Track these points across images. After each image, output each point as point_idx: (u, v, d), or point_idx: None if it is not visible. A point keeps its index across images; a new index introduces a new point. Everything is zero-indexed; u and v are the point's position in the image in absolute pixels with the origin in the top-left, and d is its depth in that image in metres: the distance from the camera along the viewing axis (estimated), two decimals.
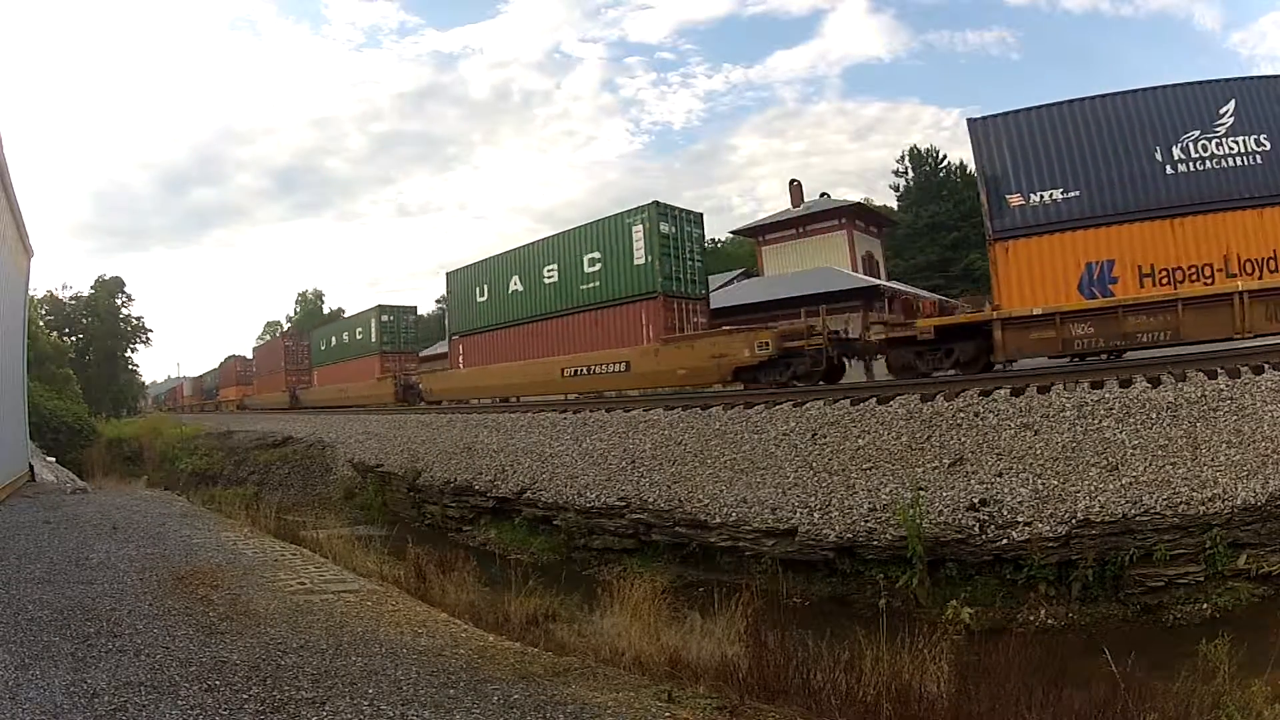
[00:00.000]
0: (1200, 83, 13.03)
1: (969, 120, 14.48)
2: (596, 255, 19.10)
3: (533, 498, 13.22)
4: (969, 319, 14.00)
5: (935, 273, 39.16)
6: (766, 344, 15.75)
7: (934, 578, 8.33)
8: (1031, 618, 7.69)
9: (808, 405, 12.24)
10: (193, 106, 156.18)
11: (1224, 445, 8.14)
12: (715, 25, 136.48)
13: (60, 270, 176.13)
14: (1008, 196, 13.62)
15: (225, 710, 3.37)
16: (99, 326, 54.98)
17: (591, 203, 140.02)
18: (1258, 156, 12.36)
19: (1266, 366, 9.46)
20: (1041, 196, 13.37)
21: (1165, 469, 8.09)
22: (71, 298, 55.02)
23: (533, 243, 21.75)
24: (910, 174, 46.77)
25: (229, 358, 55.26)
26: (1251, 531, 7.37)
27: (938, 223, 41.66)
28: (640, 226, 18.03)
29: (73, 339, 52.19)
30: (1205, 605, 7.23)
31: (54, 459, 19.93)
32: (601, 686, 3.99)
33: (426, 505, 15.94)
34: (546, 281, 20.51)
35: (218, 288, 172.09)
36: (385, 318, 30.29)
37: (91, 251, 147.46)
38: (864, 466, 10.02)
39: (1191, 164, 12.68)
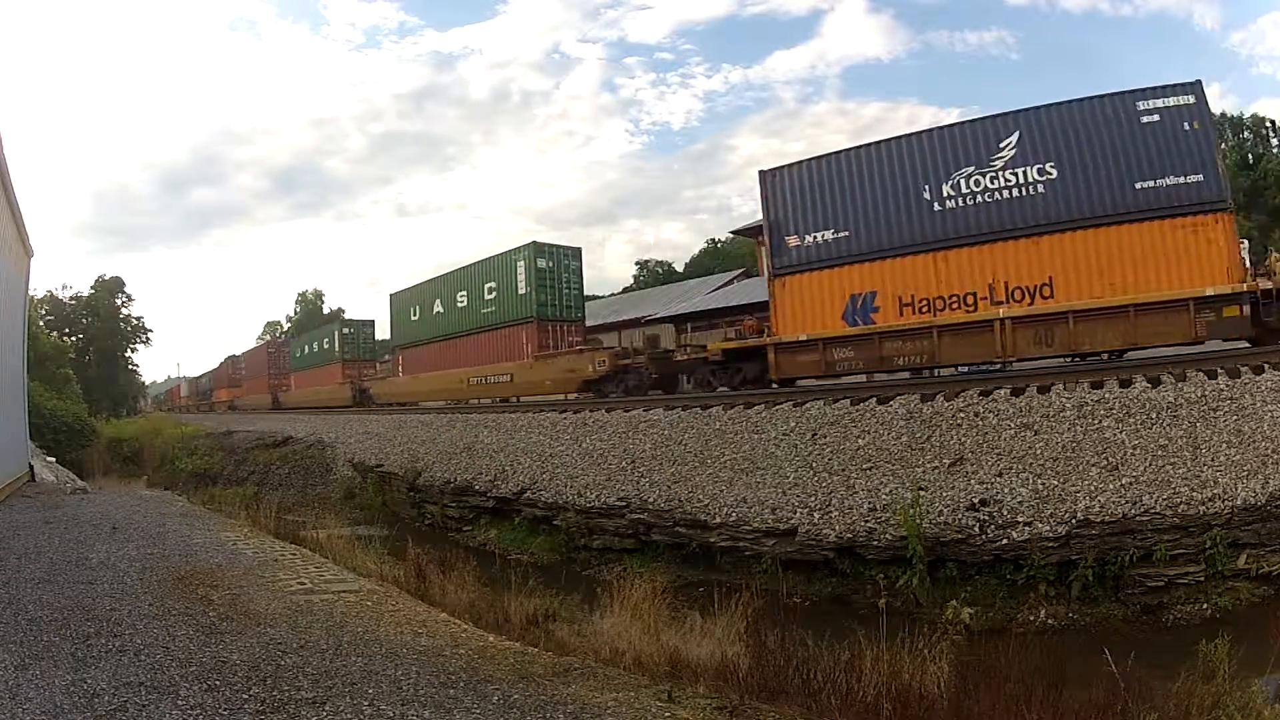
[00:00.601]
0: (982, 119, 14.02)
1: (760, 172, 16.18)
2: (493, 285, 22.55)
3: (533, 498, 13.22)
4: (750, 344, 16.23)
5: None
6: (604, 362, 18.93)
7: (934, 578, 8.33)
8: (1031, 618, 7.68)
9: (808, 405, 12.24)
10: (192, 107, 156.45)
11: (1224, 445, 8.14)
12: (714, 25, 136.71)
13: (60, 270, 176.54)
14: (786, 238, 15.52)
15: (225, 710, 3.37)
16: (99, 326, 54.95)
17: (591, 202, 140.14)
18: (1040, 186, 13.07)
19: (1266, 366, 9.45)
20: (815, 237, 15.14)
21: (1165, 469, 8.09)
22: (71, 298, 55.01)
23: (451, 271, 25.17)
24: None
25: (227, 358, 56.58)
26: (1251, 531, 7.37)
27: None
28: (522, 262, 21.42)
29: (73, 339, 52.19)
30: (1205, 605, 7.23)
31: (54, 459, 19.94)
32: (601, 686, 3.99)
33: (426, 505, 15.94)
34: (459, 305, 24.12)
35: (217, 288, 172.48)
36: (346, 330, 34.78)
37: (91, 251, 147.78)
38: (864, 466, 10.02)
39: (961, 200, 13.72)
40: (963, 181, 13.67)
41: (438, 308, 25.50)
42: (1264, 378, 9.03)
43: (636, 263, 76.34)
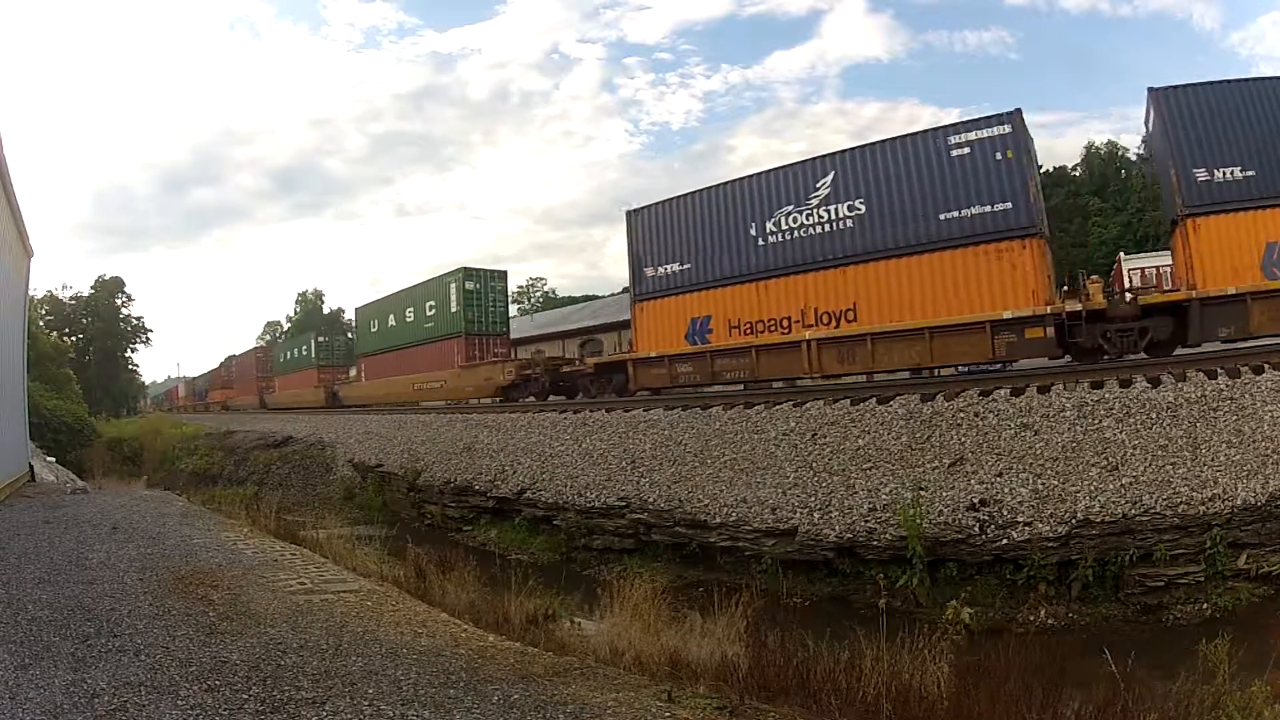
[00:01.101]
0: (803, 161, 15.74)
1: (626, 212, 18.98)
2: (432, 303, 25.84)
3: (533, 498, 13.22)
4: (614, 359, 20.15)
5: None
6: (511, 371, 22.39)
7: (934, 578, 8.33)
8: (1031, 618, 7.68)
9: (808, 405, 12.24)
10: (192, 107, 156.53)
11: (1224, 445, 8.14)
12: (713, 26, 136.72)
13: (60, 270, 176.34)
14: (645, 269, 18.17)
15: (225, 710, 3.36)
16: (99, 326, 55.03)
17: (591, 202, 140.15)
18: (849, 221, 14.63)
19: (1266, 367, 9.45)
20: (665, 268, 17.70)
21: (1165, 469, 8.09)
22: (71, 298, 55.12)
23: (401, 290, 28.84)
24: None
25: (226, 358, 57.78)
26: (1251, 531, 7.38)
27: None
28: (454, 284, 24.52)
29: (73, 339, 52.24)
30: (1205, 605, 7.24)
31: (54, 459, 19.93)
32: (601, 686, 3.99)
33: (426, 505, 15.94)
34: (407, 320, 27.51)
35: (217, 288, 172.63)
36: (321, 339, 39.18)
37: (91, 251, 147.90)
38: (864, 466, 10.02)
39: (782, 235, 15.64)
40: (783, 219, 15.59)
41: (391, 321, 29.05)
42: (1264, 378, 9.03)
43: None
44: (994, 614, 7.68)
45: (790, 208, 15.44)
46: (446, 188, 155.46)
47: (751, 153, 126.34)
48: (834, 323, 14.72)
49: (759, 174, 16.37)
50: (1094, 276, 13.54)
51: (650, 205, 18.31)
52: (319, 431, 24.80)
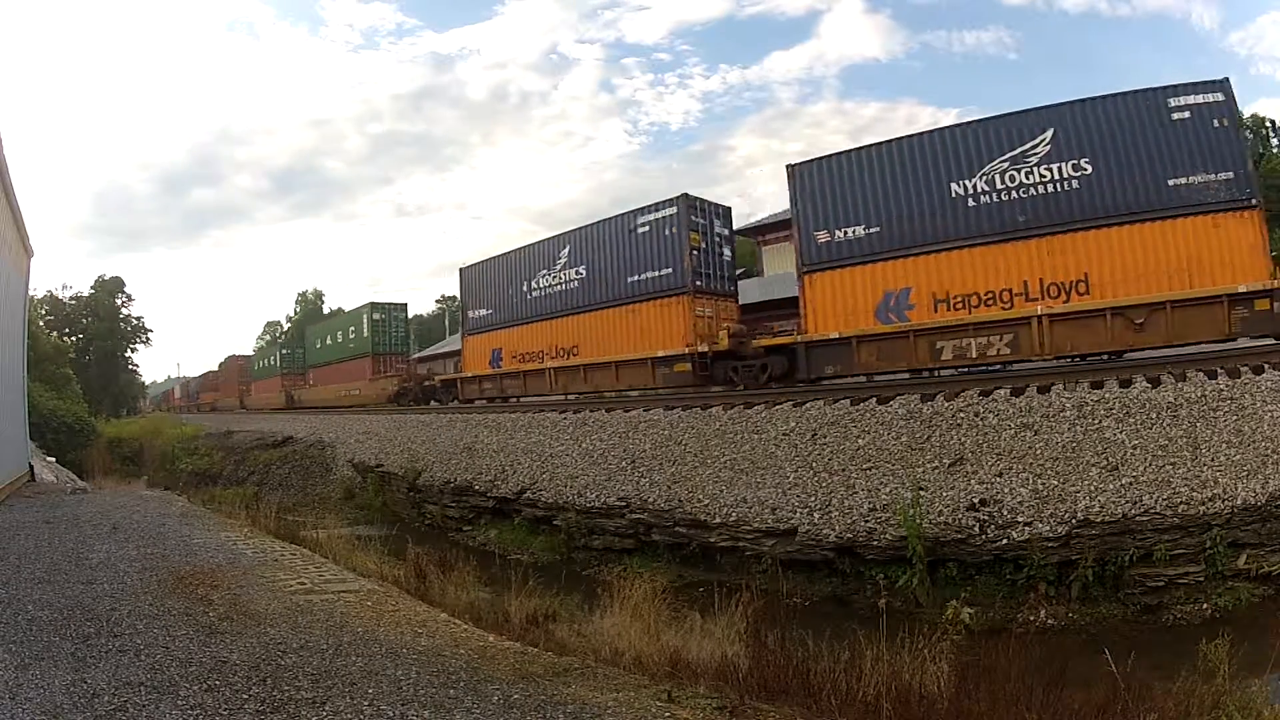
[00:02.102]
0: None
1: (459, 269, 24.98)
2: (353, 328, 34.39)
3: (533, 498, 13.22)
4: (450, 377, 25.15)
5: None
6: (394, 383, 29.88)
7: (934, 578, 8.33)
8: (1031, 618, 7.68)
9: (808, 405, 12.24)
10: (191, 108, 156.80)
11: (1224, 445, 8.14)
12: (712, 26, 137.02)
13: (60, 270, 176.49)
14: (469, 311, 24.11)
15: (225, 710, 3.36)
16: (99, 326, 54.97)
17: (591, 202, 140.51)
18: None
19: (1266, 366, 9.45)
20: (480, 311, 23.48)
21: (1165, 469, 8.09)
22: (71, 298, 55.05)
23: (336, 315, 36.64)
24: None
25: (228, 356, 60.13)
26: (1251, 531, 7.37)
27: None
28: (365, 315, 33.15)
29: (73, 339, 52.20)
30: (1205, 605, 7.23)
31: (54, 459, 19.94)
32: (601, 686, 3.98)
33: (426, 505, 15.93)
34: (339, 340, 35.83)
35: (217, 288, 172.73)
36: (284, 351, 45.65)
37: (91, 252, 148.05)
38: (864, 466, 10.02)
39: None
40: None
41: (329, 339, 37.16)
42: (1264, 378, 9.03)
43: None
44: (994, 614, 7.67)
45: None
46: (446, 188, 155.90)
47: (751, 153, 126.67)
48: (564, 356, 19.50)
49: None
50: (726, 325, 16.93)
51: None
52: (319, 431, 24.80)
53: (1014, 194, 12.96)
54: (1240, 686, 4.42)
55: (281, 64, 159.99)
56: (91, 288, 56.31)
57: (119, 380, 58.16)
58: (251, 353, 60.50)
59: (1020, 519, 8.17)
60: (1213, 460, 8.00)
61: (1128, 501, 7.85)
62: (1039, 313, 12.53)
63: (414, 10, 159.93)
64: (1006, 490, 8.61)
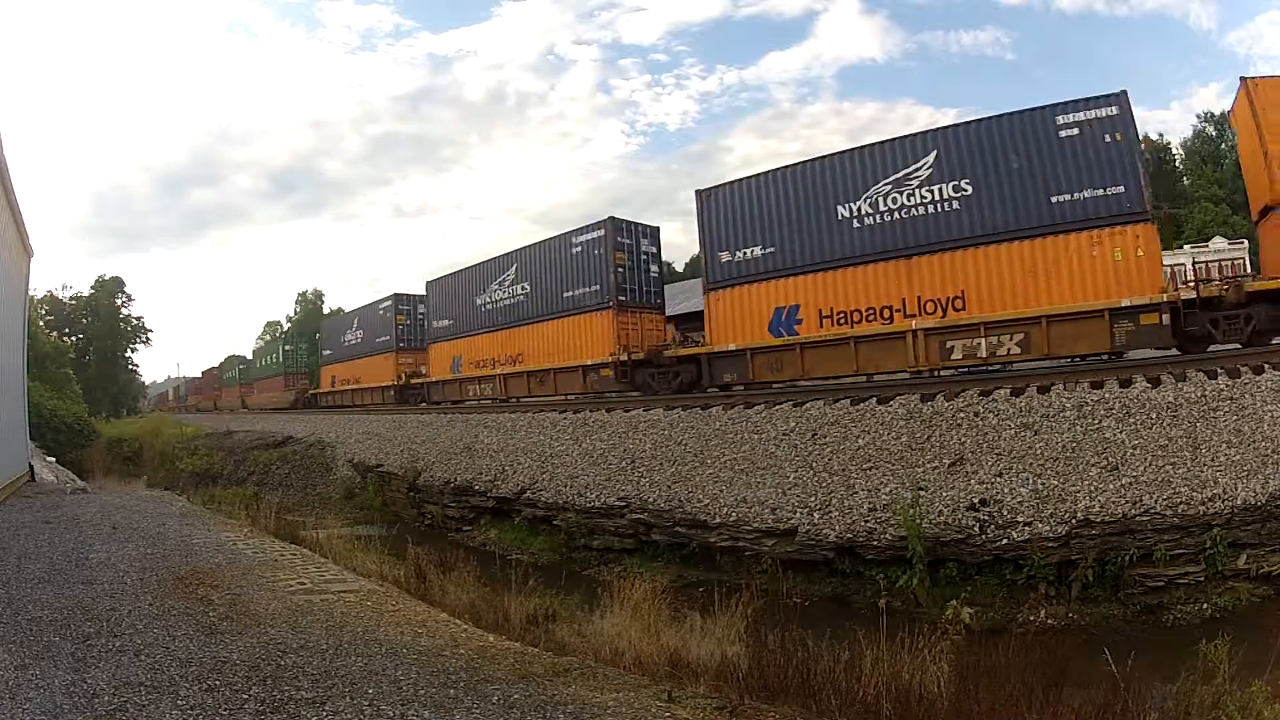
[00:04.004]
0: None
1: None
2: (277, 353, 45.60)
3: (533, 498, 13.21)
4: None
5: None
6: (299, 391, 39.62)
7: (934, 578, 8.32)
8: (1031, 618, 7.68)
9: (808, 405, 12.23)
10: (190, 109, 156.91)
11: (1224, 445, 8.14)
12: (708, 27, 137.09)
13: (60, 270, 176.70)
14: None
15: (225, 710, 3.36)
16: (99, 326, 54.93)
17: (589, 203, 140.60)
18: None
19: (1267, 367, 9.45)
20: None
21: (1165, 469, 8.08)
22: (71, 298, 54.97)
23: (269, 341, 51.02)
24: None
25: (227, 357, 65.87)
26: (1251, 531, 7.37)
27: None
28: (280, 347, 46.24)
29: (73, 339, 52.14)
30: (1205, 605, 7.23)
31: (54, 459, 19.92)
32: (601, 686, 3.98)
33: (426, 505, 15.92)
34: (270, 361, 46.25)
35: (217, 288, 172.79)
36: (242, 365, 53.92)
37: (91, 252, 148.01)
38: (864, 466, 10.02)
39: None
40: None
41: (265, 360, 48.04)
42: (1264, 378, 9.03)
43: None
44: (994, 614, 7.67)
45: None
46: (444, 188, 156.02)
47: (749, 153, 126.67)
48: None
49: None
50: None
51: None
52: (319, 431, 24.80)
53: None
54: (1240, 686, 4.41)
55: (280, 65, 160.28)
56: (91, 288, 56.29)
57: (119, 380, 58.16)
58: (260, 340, 73.98)
59: (1020, 519, 8.17)
60: (1213, 460, 8.00)
61: (1128, 501, 7.85)
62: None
63: (411, 12, 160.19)
64: (1006, 490, 8.60)
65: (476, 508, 14.61)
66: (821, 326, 14.81)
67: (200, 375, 69.45)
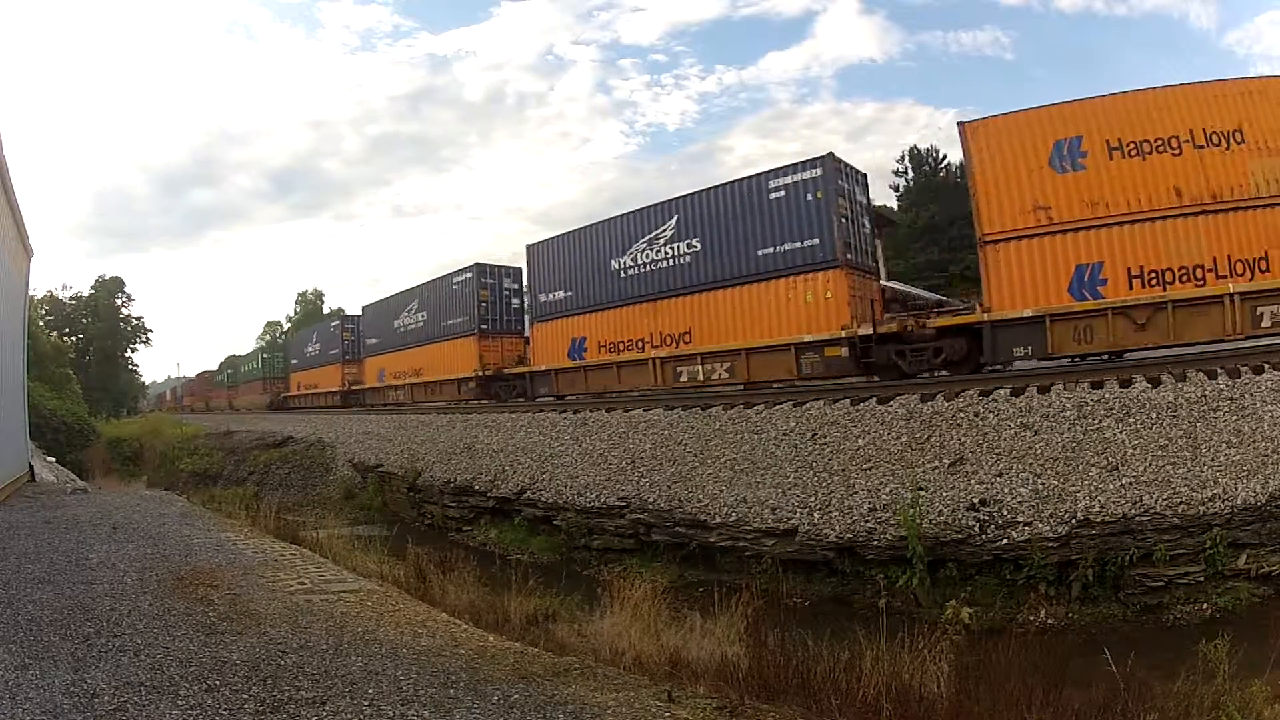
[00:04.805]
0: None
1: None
2: (257, 361, 49.18)
3: (533, 498, 13.21)
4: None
5: (935, 273, 39.05)
6: (273, 392, 44.30)
7: (934, 578, 8.33)
8: (1031, 618, 7.68)
9: (808, 405, 12.23)
10: (190, 109, 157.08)
11: (1224, 445, 8.14)
12: (707, 27, 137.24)
13: (60, 270, 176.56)
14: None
15: (225, 710, 3.36)
16: (99, 326, 55.00)
17: (589, 203, 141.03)
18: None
19: (1266, 366, 9.45)
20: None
21: (1165, 469, 8.08)
22: (71, 298, 55.09)
23: (266, 340, 64.71)
24: (910, 174, 46.64)
25: (228, 356, 68.60)
26: (1251, 531, 7.37)
27: (938, 223, 41.54)
28: (259, 355, 49.82)
29: (73, 339, 52.23)
30: (1205, 605, 7.23)
31: (54, 459, 19.93)
32: (601, 686, 3.98)
33: (426, 505, 15.93)
34: (253, 368, 49.88)
35: (217, 288, 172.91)
36: (229, 370, 57.26)
37: (91, 252, 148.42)
38: (864, 466, 10.02)
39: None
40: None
41: (249, 366, 51.31)
42: (1264, 378, 9.03)
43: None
44: (994, 614, 7.67)
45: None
46: (443, 188, 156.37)
47: (748, 153, 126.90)
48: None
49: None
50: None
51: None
52: (319, 432, 24.81)
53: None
54: (1240, 686, 4.41)
55: (279, 66, 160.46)
56: (91, 288, 56.39)
57: (119, 380, 58.25)
58: (260, 340, 77.81)
59: (1020, 519, 8.17)
60: (1213, 460, 8.00)
61: (1128, 501, 7.85)
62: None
63: (410, 12, 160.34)
64: (1006, 490, 8.60)
65: (476, 508, 14.61)
66: (599, 354, 18.93)
67: (194, 378, 75.48)
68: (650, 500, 11.27)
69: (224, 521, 9.49)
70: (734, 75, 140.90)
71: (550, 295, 20.61)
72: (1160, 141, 11.87)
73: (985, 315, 12.65)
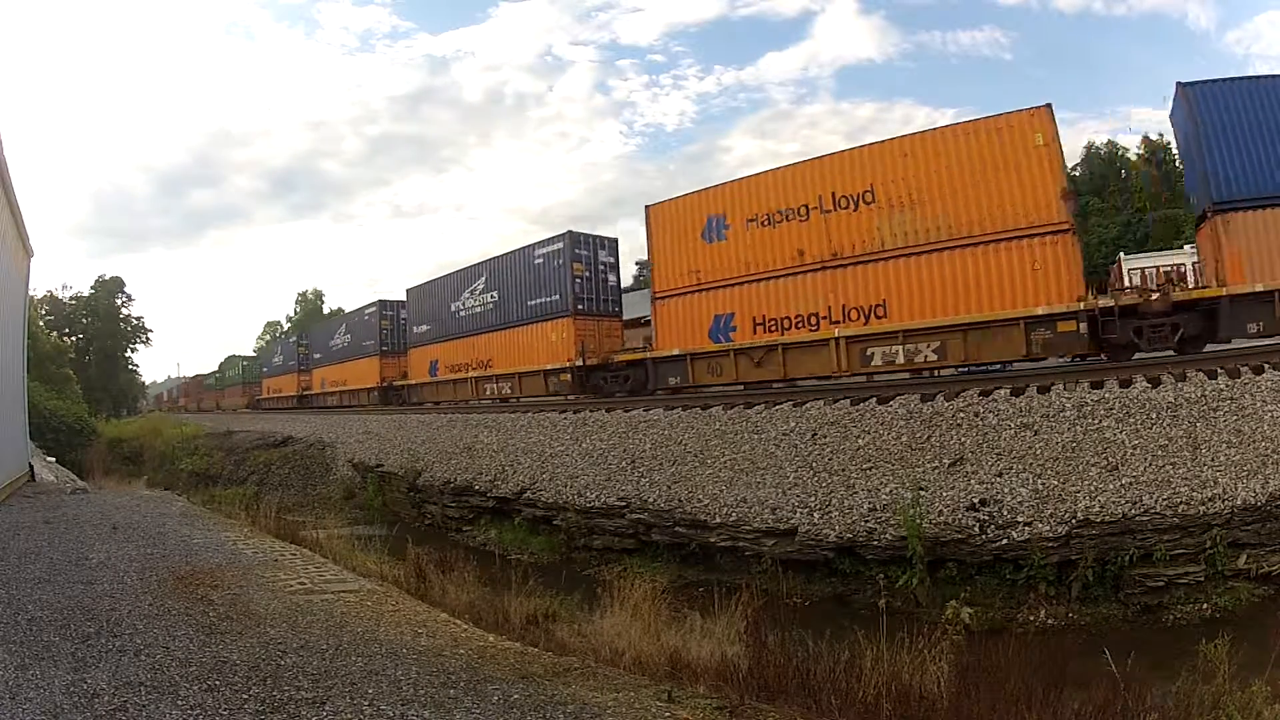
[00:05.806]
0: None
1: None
2: (239, 368, 55.82)
3: (533, 498, 13.20)
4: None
5: None
6: (249, 395, 50.95)
7: (934, 578, 8.32)
8: (1031, 618, 7.68)
9: (808, 405, 12.23)
10: (190, 110, 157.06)
11: (1224, 445, 8.14)
12: (706, 27, 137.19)
13: (60, 270, 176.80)
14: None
15: (225, 710, 3.36)
16: (99, 326, 55.05)
17: (588, 203, 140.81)
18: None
19: (1266, 366, 9.45)
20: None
21: (1165, 469, 8.08)
22: (71, 298, 55.14)
23: (267, 340, 75.69)
24: None
25: (192, 375, 78.39)
26: (1251, 531, 7.36)
27: None
28: (239, 363, 57.17)
29: (73, 339, 52.24)
30: (1205, 605, 7.23)
31: (54, 459, 19.92)
32: (601, 686, 3.98)
33: (426, 505, 15.92)
34: (235, 374, 55.32)
35: (217, 288, 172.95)
36: (217, 374, 63.18)
37: (91, 252, 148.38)
38: (864, 466, 10.01)
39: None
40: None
41: (231, 372, 56.58)
42: (1264, 378, 9.02)
43: (636, 262, 76.67)
44: (994, 614, 7.66)
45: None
46: (443, 189, 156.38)
47: (747, 153, 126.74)
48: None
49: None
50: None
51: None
52: (319, 432, 24.80)
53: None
54: (1240, 686, 4.41)
55: (279, 66, 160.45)
56: (91, 288, 56.43)
57: (119, 380, 58.33)
58: (260, 340, 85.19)
59: (1020, 519, 8.17)
60: (1213, 460, 7.99)
61: (1128, 501, 7.84)
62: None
63: (409, 13, 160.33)
64: (1006, 490, 8.60)
65: (476, 508, 14.59)
66: (444, 373, 25.57)
67: (188, 380, 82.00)
68: (650, 500, 11.26)
69: (224, 521, 9.49)
70: (732, 76, 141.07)
71: (423, 327, 27.38)
72: (790, 211, 14.75)
73: (647, 354, 17.85)
